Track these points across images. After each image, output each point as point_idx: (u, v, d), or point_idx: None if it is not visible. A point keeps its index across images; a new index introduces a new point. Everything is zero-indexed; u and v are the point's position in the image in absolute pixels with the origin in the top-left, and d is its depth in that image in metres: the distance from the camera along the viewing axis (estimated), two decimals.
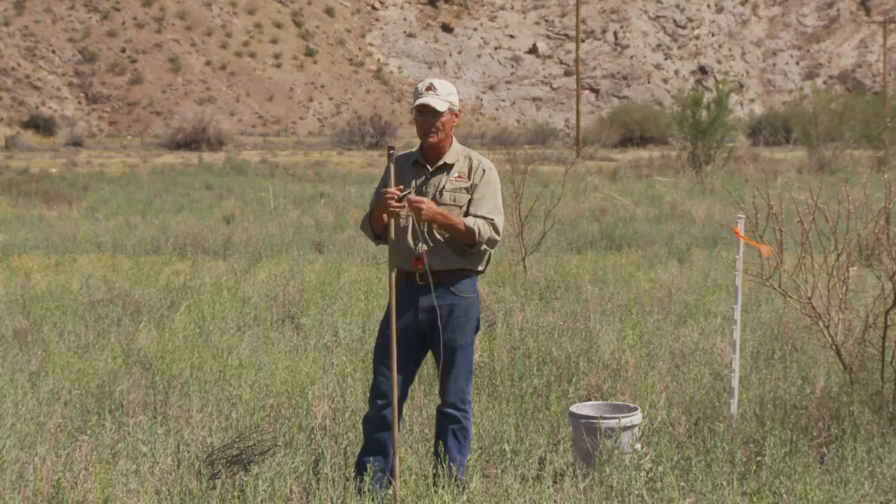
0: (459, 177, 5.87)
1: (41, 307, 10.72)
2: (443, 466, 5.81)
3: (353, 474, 5.85)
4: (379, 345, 5.90)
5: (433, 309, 5.81)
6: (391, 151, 5.83)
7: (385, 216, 5.79)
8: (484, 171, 5.90)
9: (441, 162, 5.89)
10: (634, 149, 69.54)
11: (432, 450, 6.09)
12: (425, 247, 5.77)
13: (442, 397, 5.96)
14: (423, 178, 5.87)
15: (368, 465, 5.79)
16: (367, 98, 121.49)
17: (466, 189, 5.86)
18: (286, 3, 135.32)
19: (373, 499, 5.67)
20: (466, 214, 5.82)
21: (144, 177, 37.69)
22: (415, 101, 5.82)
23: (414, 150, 6.01)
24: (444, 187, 5.84)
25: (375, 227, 5.87)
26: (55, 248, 17.37)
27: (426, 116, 5.81)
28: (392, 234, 5.79)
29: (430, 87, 5.80)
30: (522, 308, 10.55)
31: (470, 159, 5.92)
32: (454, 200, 5.83)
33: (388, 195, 5.69)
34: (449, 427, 5.93)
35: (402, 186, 5.77)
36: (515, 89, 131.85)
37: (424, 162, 5.92)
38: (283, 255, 16.05)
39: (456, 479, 5.79)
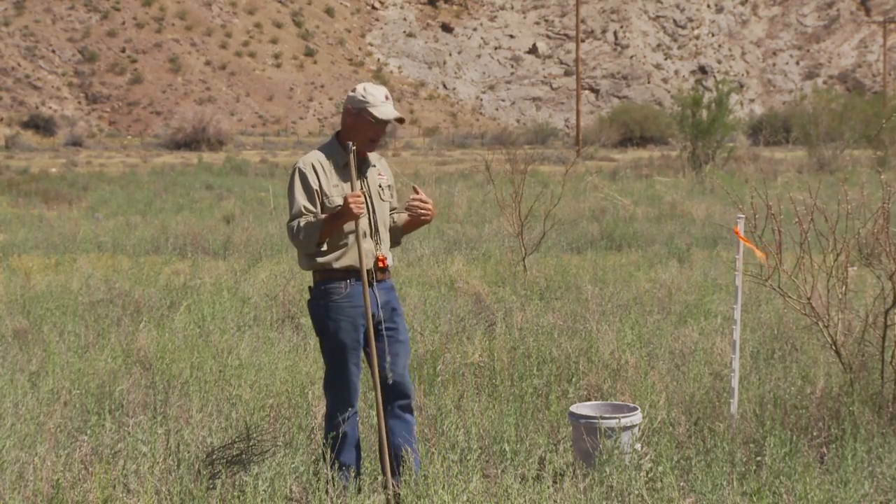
0: (381, 174, 5.98)
1: (41, 307, 10.72)
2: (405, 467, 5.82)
3: (334, 475, 5.79)
4: (342, 348, 5.82)
5: (387, 303, 5.89)
6: (354, 148, 5.78)
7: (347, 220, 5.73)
8: (388, 166, 6.12)
9: (371, 164, 5.94)
10: (634, 149, 69.53)
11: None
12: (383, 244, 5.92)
13: (401, 393, 5.91)
14: (359, 178, 5.86)
15: (349, 465, 5.83)
16: None
17: (391, 186, 6.04)
18: (286, 3, 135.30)
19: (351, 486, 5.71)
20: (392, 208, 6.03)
21: (144, 177, 37.70)
22: (374, 107, 5.76)
23: (323, 150, 5.88)
24: (380, 185, 5.94)
25: (326, 235, 5.72)
26: (55, 248, 17.38)
27: (383, 127, 5.84)
28: (358, 237, 5.72)
29: (387, 97, 5.84)
30: (522, 308, 10.55)
31: (378, 155, 6.05)
32: (390, 198, 5.99)
33: (357, 199, 5.62)
34: (412, 423, 5.96)
35: (363, 190, 5.79)
36: (515, 89, 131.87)
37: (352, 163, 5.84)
38: (283, 255, 16.05)
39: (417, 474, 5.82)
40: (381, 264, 5.83)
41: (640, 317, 10.13)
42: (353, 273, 5.78)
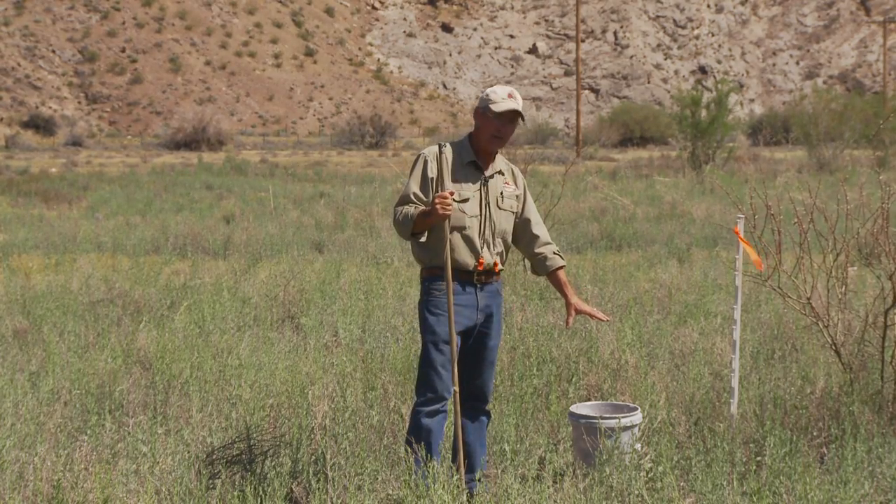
0: (507, 183, 6.02)
1: (41, 307, 10.72)
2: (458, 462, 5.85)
3: (412, 465, 5.74)
4: (440, 340, 5.82)
5: (487, 307, 5.93)
6: (444, 148, 5.84)
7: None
8: (522, 178, 6.13)
9: (498, 169, 6.00)
10: (634, 149, 69.55)
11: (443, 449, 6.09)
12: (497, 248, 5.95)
13: (479, 395, 6.01)
14: (480, 182, 5.92)
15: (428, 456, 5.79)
16: (367, 98, 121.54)
17: (518, 196, 6.04)
18: (286, 3, 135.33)
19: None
20: (523, 220, 6.04)
21: (144, 177, 37.68)
22: (496, 104, 5.85)
23: (453, 146, 5.96)
24: (502, 193, 5.97)
25: (418, 227, 5.81)
26: (55, 248, 17.38)
27: (505, 122, 5.89)
28: (445, 238, 5.74)
29: (511, 94, 5.92)
30: (522, 308, 10.55)
31: (509, 165, 6.10)
32: (511, 207, 6.00)
33: (444, 200, 5.64)
34: (485, 423, 6.05)
35: (453, 191, 5.77)
36: (515, 89, 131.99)
37: (480, 165, 5.95)
38: (283, 255, 16.04)
39: (479, 479, 5.88)
40: (479, 266, 5.86)
41: (640, 317, 10.13)
42: (455, 273, 5.83)
